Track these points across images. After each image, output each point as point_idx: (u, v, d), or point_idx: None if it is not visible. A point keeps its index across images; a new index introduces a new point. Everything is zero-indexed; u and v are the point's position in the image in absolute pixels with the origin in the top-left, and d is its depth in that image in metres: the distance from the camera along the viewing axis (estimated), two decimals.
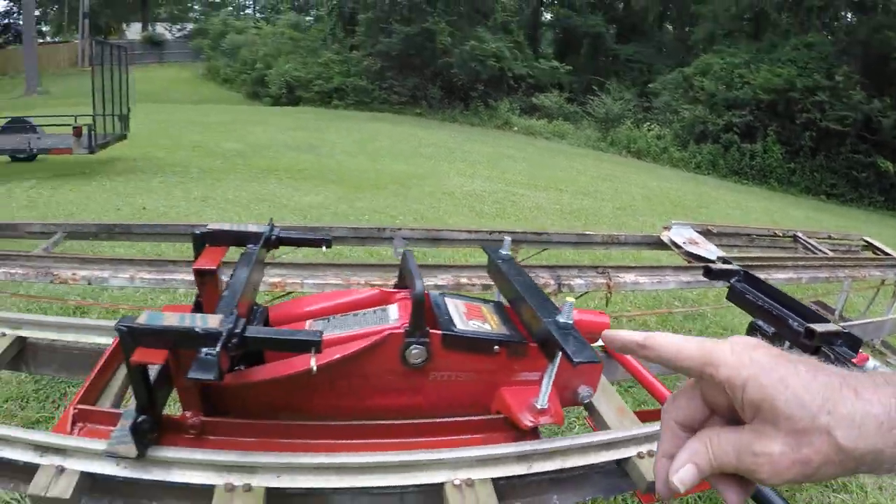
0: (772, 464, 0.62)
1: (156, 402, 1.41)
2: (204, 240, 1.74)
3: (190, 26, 53.72)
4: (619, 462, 1.68)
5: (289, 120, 23.00)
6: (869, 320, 3.84)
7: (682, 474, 0.67)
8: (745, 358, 0.64)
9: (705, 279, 2.43)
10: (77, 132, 10.95)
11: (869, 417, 0.60)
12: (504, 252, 1.92)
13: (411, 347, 1.50)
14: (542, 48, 39.87)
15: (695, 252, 4.17)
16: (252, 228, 1.82)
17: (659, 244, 4.48)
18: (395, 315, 1.61)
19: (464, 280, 3.25)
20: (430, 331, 1.53)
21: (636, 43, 36.03)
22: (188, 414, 1.47)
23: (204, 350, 1.19)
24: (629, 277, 3.62)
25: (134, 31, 51.00)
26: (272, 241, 1.85)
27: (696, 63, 28.23)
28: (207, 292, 1.63)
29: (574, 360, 1.31)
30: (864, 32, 24.92)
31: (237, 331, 1.25)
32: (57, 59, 41.52)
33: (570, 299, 1.47)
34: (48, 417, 3.72)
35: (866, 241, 5.81)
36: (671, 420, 0.73)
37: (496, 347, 1.57)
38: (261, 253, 1.77)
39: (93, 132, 11.09)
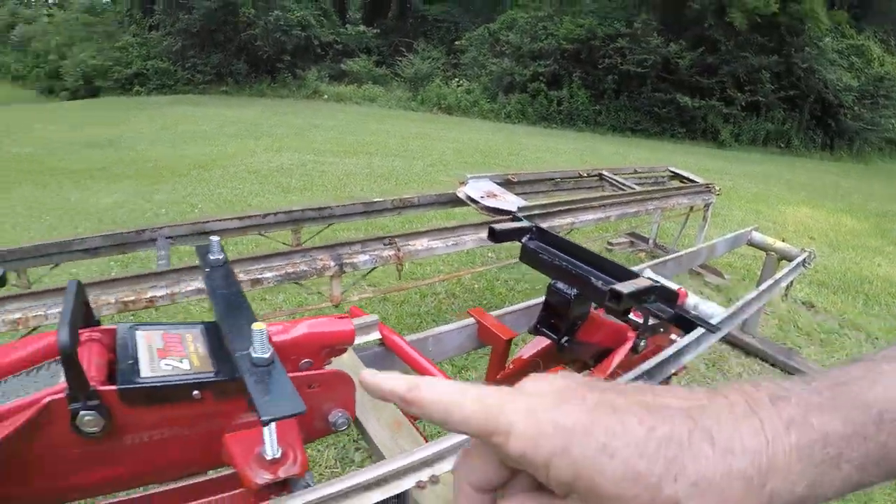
0: None
1: None
2: None
3: None
4: (397, 497, 1.36)
5: (86, 113, 21.70)
6: (682, 252, 3.73)
7: None
8: (545, 423, 0.46)
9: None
10: None
11: (733, 476, 0.43)
12: (214, 256, 1.48)
13: (80, 415, 1.10)
14: (351, 14, 39.59)
15: (494, 206, 4.05)
16: None
17: (456, 201, 4.33)
18: None
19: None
20: (100, 389, 1.12)
21: (443, 3, 36.45)
22: None
23: None
24: (421, 244, 3.43)
25: None
26: None
27: (502, 18, 29.10)
28: None
29: (262, 417, 0.98)
30: None
31: None
32: None
33: (260, 326, 1.11)
34: None
35: (672, 172, 6.01)
36: (464, 483, 0.55)
37: (195, 392, 1.18)
38: None
39: None
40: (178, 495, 1.34)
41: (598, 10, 26.71)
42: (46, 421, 1.11)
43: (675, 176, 5.98)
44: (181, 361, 1.23)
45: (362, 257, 3.20)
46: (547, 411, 0.47)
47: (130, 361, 1.20)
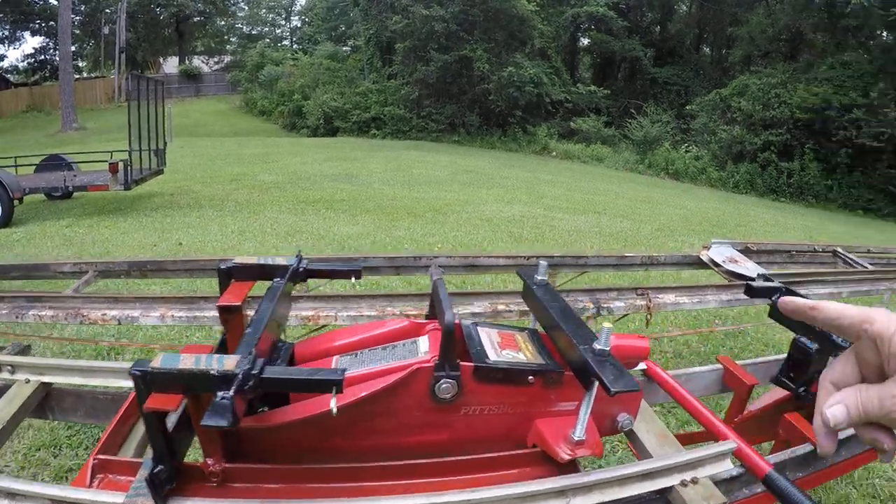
0: None
1: (175, 450, 1.33)
2: (230, 274, 1.65)
3: (227, 59, 54.40)
4: (661, 492, 1.57)
5: (326, 151, 23.26)
6: None
7: (835, 410, 0.80)
8: (894, 317, 0.77)
9: (746, 297, 2.39)
10: (113, 168, 10.98)
11: None
12: (540, 277, 1.82)
13: (441, 382, 1.42)
14: (580, 73, 39.94)
15: (735, 270, 4.15)
16: (279, 261, 1.72)
17: (699, 263, 4.46)
18: (425, 347, 1.54)
19: (501, 307, 3.23)
20: (461, 363, 1.44)
21: (673, 66, 36.18)
22: (209, 461, 1.37)
23: (220, 394, 1.13)
24: (669, 298, 3.63)
25: (171, 65, 51.86)
26: (299, 274, 1.76)
27: (734, 84, 28.42)
28: (232, 329, 1.56)
29: (611, 389, 1.25)
30: None
31: (254, 372, 1.17)
32: (93, 94, 42.26)
33: (608, 325, 1.39)
34: (82, 465, 3.56)
35: None
36: (827, 381, 0.86)
37: (530, 378, 1.49)
38: (287, 287, 1.68)
39: (129, 168, 11.11)
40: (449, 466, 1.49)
41: (834, 78, 25.43)
42: (412, 383, 1.42)
43: None
44: (517, 353, 1.56)
45: (617, 303, 3.51)
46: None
47: (478, 348, 1.54)
